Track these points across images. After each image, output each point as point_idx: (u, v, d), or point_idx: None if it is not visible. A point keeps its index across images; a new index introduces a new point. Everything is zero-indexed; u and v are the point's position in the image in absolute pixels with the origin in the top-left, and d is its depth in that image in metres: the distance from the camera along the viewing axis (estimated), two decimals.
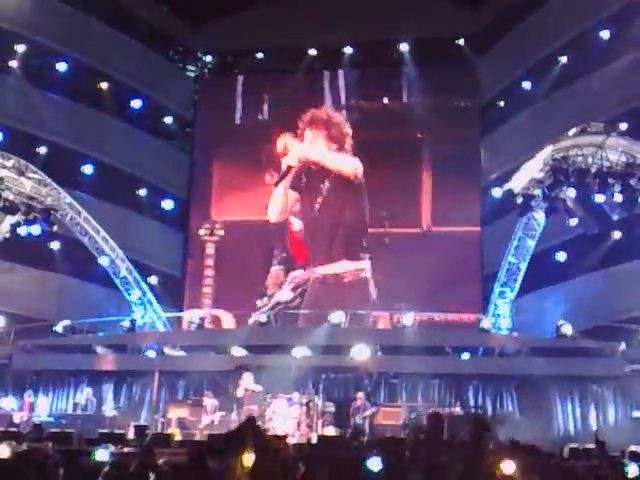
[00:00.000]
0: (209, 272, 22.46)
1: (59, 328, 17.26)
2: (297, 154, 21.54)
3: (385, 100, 22.74)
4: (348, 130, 22.04)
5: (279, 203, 21.71)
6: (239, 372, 15.10)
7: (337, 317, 16.33)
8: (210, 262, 22.50)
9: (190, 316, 19.03)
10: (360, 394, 14.45)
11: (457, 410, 14.98)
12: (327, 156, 21.67)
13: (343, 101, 23.04)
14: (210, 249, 22.55)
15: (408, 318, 16.24)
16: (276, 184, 21.60)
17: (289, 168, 21.44)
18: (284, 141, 21.82)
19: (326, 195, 21.59)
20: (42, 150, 19.95)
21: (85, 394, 15.38)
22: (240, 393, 14.24)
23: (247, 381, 14.38)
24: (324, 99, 23.12)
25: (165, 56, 23.85)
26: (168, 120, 23.43)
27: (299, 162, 21.51)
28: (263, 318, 16.44)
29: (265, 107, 23.37)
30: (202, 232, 22.68)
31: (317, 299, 20.62)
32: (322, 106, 22.75)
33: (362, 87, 22.69)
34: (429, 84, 21.84)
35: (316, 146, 21.75)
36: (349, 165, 21.55)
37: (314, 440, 12.54)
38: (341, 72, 23.01)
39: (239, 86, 23.86)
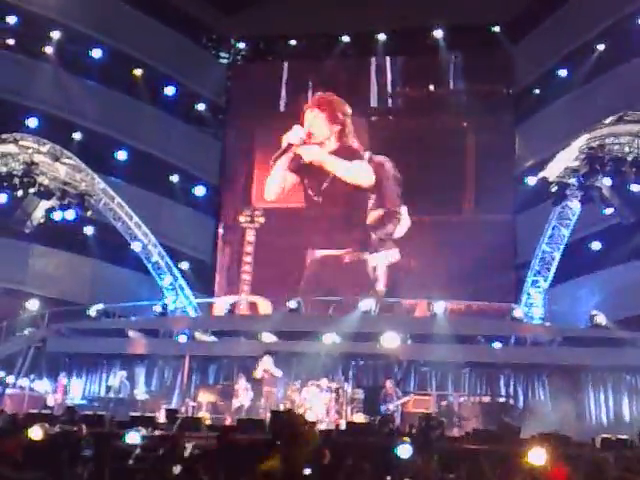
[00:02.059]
0: (248, 259, 22.43)
1: (92, 312, 17.47)
2: (300, 134, 21.39)
3: (430, 87, 22.64)
4: (348, 110, 21.90)
5: (276, 183, 21.61)
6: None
7: (367, 304, 16.32)
8: (249, 249, 22.45)
9: (224, 302, 19.09)
10: (389, 382, 14.43)
11: (486, 399, 14.94)
12: (338, 165, 21.55)
13: (389, 89, 22.91)
14: (250, 236, 22.52)
15: (439, 306, 16.15)
16: (275, 160, 21.45)
17: (289, 146, 21.29)
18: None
19: (329, 184, 21.54)
20: (77, 136, 20.23)
21: (119, 377, 15.56)
22: (259, 375, 14.22)
23: (267, 363, 14.35)
24: (370, 86, 22.98)
25: (198, 43, 23.96)
26: (201, 107, 23.57)
27: (300, 142, 21.34)
28: (293, 304, 16.49)
29: (308, 93, 23.33)
30: (242, 219, 22.64)
31: (318, 280, 20.88)
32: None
33: (396, 74, 22.56)
34: (464, 72, 21.61)
35: (327, 154, 21.63)
36: (358, 176, 21.43)
37: (343, 427, 12.57)
38: (387, 60, 22.91)
39: (273, 72, 23.84)
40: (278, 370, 14.63)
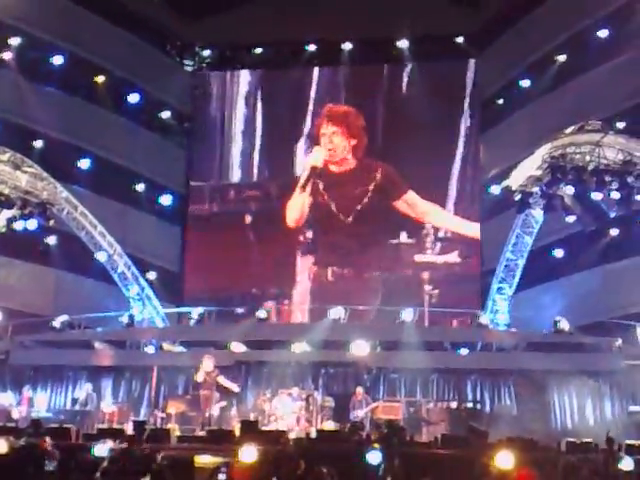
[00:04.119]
0: None
1: (57, 323, 17.18)
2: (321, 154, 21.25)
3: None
4: (363, 123, 21.86)
5: (302, 207, 21.49)
6: (239, 367, 15.20)
7: (336, 312, 16.40)
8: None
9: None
10: (359, 389, 14.51)
11: (454, 405, 15.11)
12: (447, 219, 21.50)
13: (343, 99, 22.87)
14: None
15: (408, 314, 16.34)
16: (303, 187, 21.24)
17: (313, 169, 21.16)
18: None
19: (364, 206, 21.37)
20: (38, 144, 19.82)
21: (85, 390, 15.28)
22: (200, 378, 14.04)
23: (208, 365, 14.09)
24: (321, 95, 23.08)
25: (163, 50, 23.67)
26: (165, 115, 23.34)
27: (322, 163, 21.24)
28: (262, 314, 16.48)
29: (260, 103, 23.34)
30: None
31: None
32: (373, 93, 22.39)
33: (360, 83, 22.72)
34: (428, 81, 21.90)
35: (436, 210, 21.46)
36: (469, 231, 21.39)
37: (313, 435, 12.60)
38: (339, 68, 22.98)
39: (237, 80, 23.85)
40: (234, 386, 14.50)
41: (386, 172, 21.60)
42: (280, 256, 21.49)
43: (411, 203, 21.40)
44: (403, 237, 21.29)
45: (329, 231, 21.44)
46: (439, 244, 21.39)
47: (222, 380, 14.20)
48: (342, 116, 21.85)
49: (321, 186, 21.52)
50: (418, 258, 21.19)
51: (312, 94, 22.90)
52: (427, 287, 20.58)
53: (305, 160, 21.63)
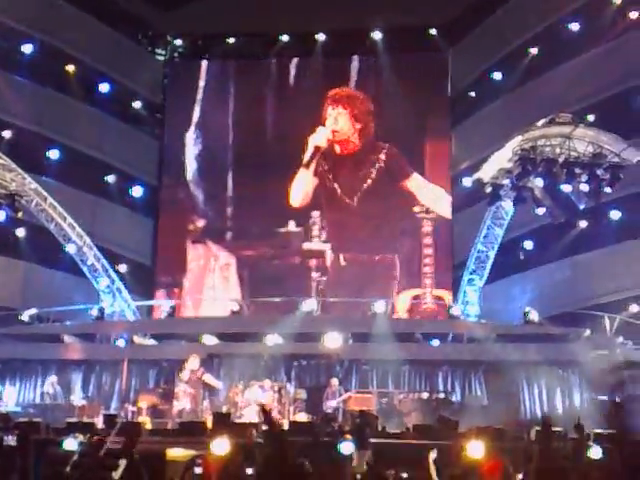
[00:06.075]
0: (428, 251, 21.52)
1: (25, 317, 16.96)
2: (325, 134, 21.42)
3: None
4: (371, 107, 21.92)
5: (305, 186, 21.51)
6: (210, 359, 15.14)
7: (309, 305, 16.41)
8: (429, 241, 21.58)
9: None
10: (334, 380, 14.55)
11: (425, 395, 15.22)
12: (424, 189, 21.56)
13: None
14: (427, 227, 21.68)
15: (379, 306, 16.39)
16: (306, 165, 21.30)
17: (317, 149, 21.20)
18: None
19: (369, 187, 21.49)
20: (6, 134, 19.52)
21: (49, 383, 15.04)
22: (185, 376, 14.03)
23: (193, 364, 14.12)
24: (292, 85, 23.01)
25: (134, 39, 23.37)
26: (137, 105, 23.08)
27: (328, 143, 21.37)
28: (234, 306, 16.43)
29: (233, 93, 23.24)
30: (417, 209, 21.67)
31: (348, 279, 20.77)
32: (345, 85, 22.46)
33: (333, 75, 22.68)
34: (400, 73, 21.92)
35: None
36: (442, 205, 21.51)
37: (286, 426, 12.59)
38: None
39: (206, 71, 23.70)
40: (218, 382, 14.52)
41: (391, 153, 21.70)
42: (173, 244, 21.85)
43: (417, 185, 21.61)
44: None
45: (335, 214, 21.48)
46: None
47: (208, 378, 14.29)
48: (346, 99, 21.92)
49: (325, 167, 21.60)
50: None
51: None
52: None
53: (309, 139, 21.66)
